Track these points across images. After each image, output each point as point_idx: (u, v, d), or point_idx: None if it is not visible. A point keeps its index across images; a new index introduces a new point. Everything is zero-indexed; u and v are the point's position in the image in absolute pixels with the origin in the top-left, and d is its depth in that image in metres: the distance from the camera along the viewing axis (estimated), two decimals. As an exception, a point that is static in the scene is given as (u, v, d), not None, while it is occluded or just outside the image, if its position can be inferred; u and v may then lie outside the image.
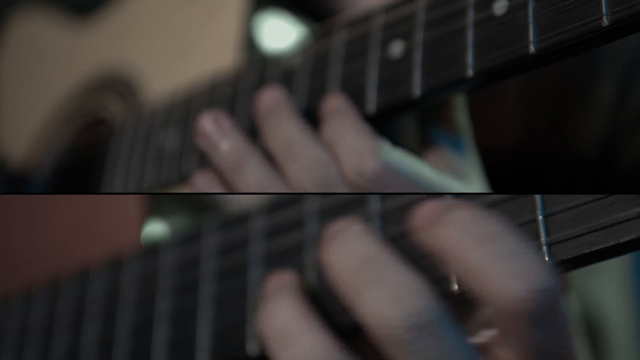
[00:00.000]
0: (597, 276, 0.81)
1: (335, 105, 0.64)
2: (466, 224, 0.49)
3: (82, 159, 0.90)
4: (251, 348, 0.59)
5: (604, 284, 0.81)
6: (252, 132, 0.70)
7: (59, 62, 0.98)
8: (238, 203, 0.73)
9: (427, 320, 0.49)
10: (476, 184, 0.65)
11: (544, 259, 0.50)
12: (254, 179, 0.64)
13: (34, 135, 0.98)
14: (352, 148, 0.61)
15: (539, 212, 0.51)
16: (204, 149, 0.65)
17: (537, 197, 0.52)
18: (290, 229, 0.60)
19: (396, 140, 0.64)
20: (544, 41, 0.55)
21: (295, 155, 0.62)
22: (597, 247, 0.50)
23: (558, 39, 0.55)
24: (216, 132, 0.65)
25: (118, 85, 0.88)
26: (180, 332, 0.63)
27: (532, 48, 0.55)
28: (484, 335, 0.52)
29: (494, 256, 0.48)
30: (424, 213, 0.51)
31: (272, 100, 0.65)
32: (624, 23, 0.52)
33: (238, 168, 0.64)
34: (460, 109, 0.67)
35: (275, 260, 0.60)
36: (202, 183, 0.66)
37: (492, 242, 0.49)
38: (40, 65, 1.00)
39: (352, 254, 0.52)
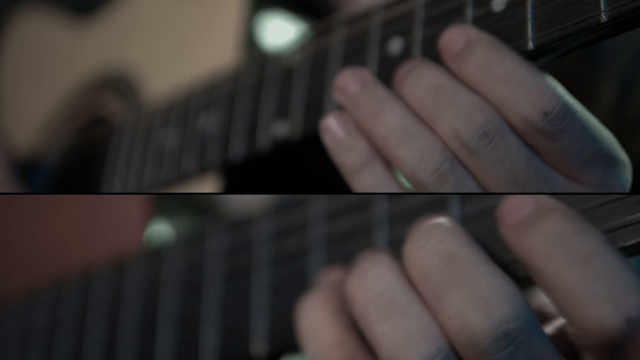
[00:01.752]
0: None
1: (474, 36, 0.56)
2: (558, 238, 0.44)
3: (83, 157, 0.90)
4: (256, 350, 0.59)
5: None
6: (252, 130, 0.70)
7: (59, 61, 0.98)
8: (240, 203, 0.73)
9: (518, 328, 0.44)
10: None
11: None
12: (396, 122, 0.56)
13: (35, 134, 0.98)
14: (527, 85, 0.53)
15: None
16: (341, 103, 0.60)
17: None
18: (295, 231, 0.60)
19: None
20: (543, 37, 0.55)
21: (447, 102, 0.54)
22: None
23: (557, 35, 0.54)
24: (355, 82, 0.59)
25: (118, 84, 0.88)
26: (185, 334, 0.63)
27: (530, 44, 0.55)
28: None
29: (585, 279, 0.44)
30: (512, 209, 0.46)
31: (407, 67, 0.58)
32: (622, 19, 0.52)
33: (379, 112, 0.57)
34: None
35: (280, 263, 0.60)
36: (337, 124, 0.59)
37: (584, 263, 0.44)
38: (41, 65, 1.00)
39: (435, 251, 0.46)
